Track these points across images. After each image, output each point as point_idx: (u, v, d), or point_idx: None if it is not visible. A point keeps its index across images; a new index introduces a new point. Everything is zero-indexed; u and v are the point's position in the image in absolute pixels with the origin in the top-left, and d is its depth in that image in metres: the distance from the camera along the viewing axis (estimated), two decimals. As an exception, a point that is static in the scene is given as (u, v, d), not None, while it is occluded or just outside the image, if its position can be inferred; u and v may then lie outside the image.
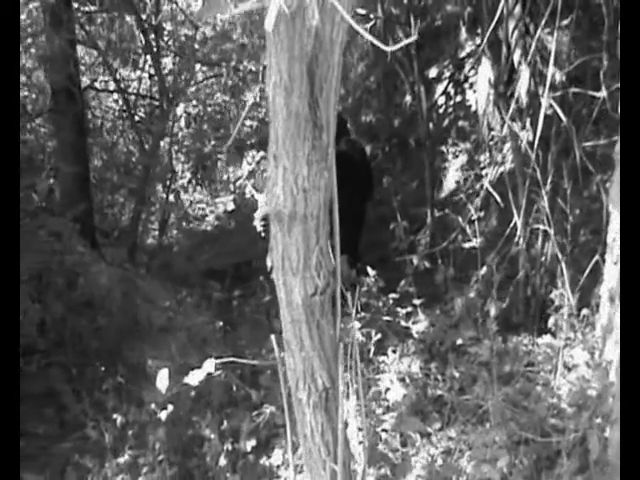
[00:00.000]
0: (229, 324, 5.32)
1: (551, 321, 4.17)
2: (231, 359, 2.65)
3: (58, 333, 4.92)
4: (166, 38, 8.88)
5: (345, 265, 4.60)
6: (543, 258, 5.02)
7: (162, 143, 8.58)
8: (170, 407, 3.74)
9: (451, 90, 9.16)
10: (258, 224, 2.23)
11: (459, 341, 4.11)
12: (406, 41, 1.85)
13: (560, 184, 4.75)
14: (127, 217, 9.30)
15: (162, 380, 2.76)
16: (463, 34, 9.19)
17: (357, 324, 4.01)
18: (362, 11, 8.05)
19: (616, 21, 5.38)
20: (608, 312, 3.66)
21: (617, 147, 3.18)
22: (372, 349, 4.17)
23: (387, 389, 3.90)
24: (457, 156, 8.34)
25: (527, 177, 4.93)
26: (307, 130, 2.04)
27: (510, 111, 5.62)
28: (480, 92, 8.23)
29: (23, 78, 8.69)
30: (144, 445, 3.73)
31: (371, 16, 8.36)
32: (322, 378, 2.32)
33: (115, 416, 3.89)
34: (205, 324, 5.16)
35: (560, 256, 4.17)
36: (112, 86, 9.72)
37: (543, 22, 5.13)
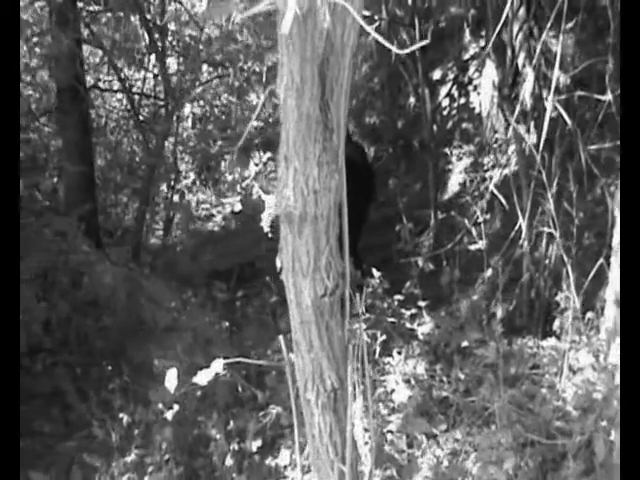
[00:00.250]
0: (234, 324, 5.33)
1: (556, 324, 4.19)
2: (239, 359, 2.66)
3: (63, 332, 4.92)
4: (170, 38, 8.89)
5: (351, 266, 4.61)
6: (547, 261, 5.03)
7: (166, 143, 8.57)
8: (176, 407, 3.75)
9: (455, 92, 9.18)
10: (266, 225, 2.23)
11: (464, 343, 4.11)
12: (418, 45, 1.85)
13: (565, 187, 4.76)
14: (131, 217, 9.31)
15: (171, 380, 2.76)
16: (467, 36, 9.21)
17: (364, 325, 4.02)
18: (366, 13, 8.06)
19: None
20: (613, 315, 3.68)
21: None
22: (377, 350, 4.18)
23: (392, 390, 3.91)
24: (461, 158, 8.35)
25: (532, 180, 4.94)
26: (318, 132, 2.05)
27: (515, 114, 5.64)
28: (484, 94, 8.24)
29: (27, 77, 8.70)
30: (150, 444, 3.74)
31: (375, 17, 8.38)
32: (331, 379, 2.33)
33: (121, 415, 3.91)
34: (210, 324, 5.17)
35: (566, 259, 4.17)
36: (116, 86, 9.74)
37: (549, 25, 5.14)
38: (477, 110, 8.46)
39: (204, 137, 10.55)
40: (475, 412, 3.60)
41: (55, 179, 8.72)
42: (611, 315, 3.74)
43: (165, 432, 3.66)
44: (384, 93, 10.08)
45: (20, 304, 4.48)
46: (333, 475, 2.43)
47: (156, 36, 7.95)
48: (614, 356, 3.42)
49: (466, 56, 9.19)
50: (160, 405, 3.78)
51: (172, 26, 9.20)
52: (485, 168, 7.71)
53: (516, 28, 7.24)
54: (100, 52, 9.40)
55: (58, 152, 8.50)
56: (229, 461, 3.56)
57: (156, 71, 9.66)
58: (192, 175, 11.02)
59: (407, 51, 1.78)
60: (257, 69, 9.99)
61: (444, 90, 9.29)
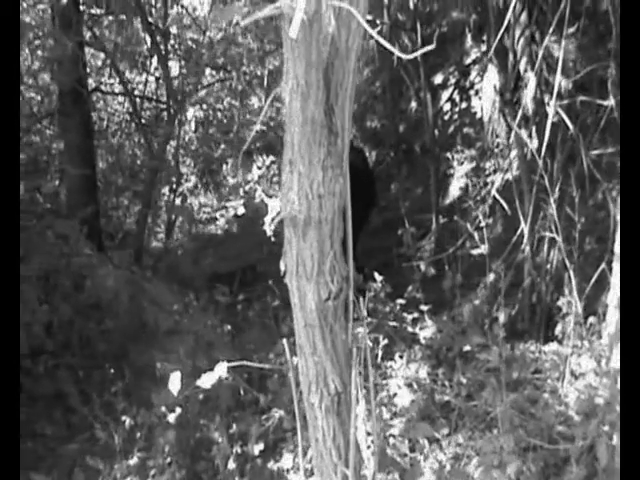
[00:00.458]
0: (236, 328, 5.33)
1: (558, 328, 4.19)
2: (242, 363, 2.66)
3: (65, 335, 4.92)
4: (172, 41, 8.89)
5: (353, 270, 4.62)
6: (549, 265, 5.04)
7: (168, 147, 8.58)
8: (178, 410, 3.75)
9: (456, 97, 9.19)
10: (268, 228, 2.23)
11: (467, 347, 4.12)
12: (423, 49, 1.86)
13: (567, 192, 4.77)
14: (132, 220, 9.30)
15: (174, 383, 2.75)
16: (469, 41, 9.22)
17: (366, 329, 4.02)
18: (369, 17, 8.05)
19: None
20: (615, 320, 3.68)
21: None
22: (379, 354, 4.19)
23: (394, 394, 3.92)
24: (462, 163, 8.36)
25: (534, 184, 4.95)
26: (323, 136, 2.05)
27: (518, 118, 5.65)
28: (486, 99, 8.25)
29: (29, 80, 8.70)
30: (153, 447, 3.74)
31: (377, 22, 8.39)
32: (334, 382, 2.33)
33: (124, 418, 3.91)
34: (212, 328, 5.17)
35: (568, 264, 4.18)
36: (117, 89, 9.73)
37: (551, 30, 5.15)
38: (479, 115, 8.47)
39: (206, 140, 10.55)
40: (477, 416, 3.60)
41: (57, 182, 8.72)
42: (613, 320, 3.75)
43: (168, 435, 3.66)
44: (385, 97, 10.10)
45: (22, 306, 4.51)
46: (336, 478, 2.44)
47: (158, 39, 7.95)
48: (616, 361, 3.42)
49: (468, 61, 9.21)
50: (163, 408, 3.77)
51: (174, 29, 9.21)
52: (487, 173, 7.73)
53: (518, 33, 7.25)
54: (102, 55, 9.42)
55: (60, 155, 8.50)
56: (231, 464, 3.56)
57: (158, 74, 9.68)
58: (194, 178, 11.02)
59: (412, 56, 1.78)
60: (259, 73, 10.01)
61: (446, 94, 9.31)
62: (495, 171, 7.49)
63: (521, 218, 5.06)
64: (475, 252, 5.71)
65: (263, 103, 10.24)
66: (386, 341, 4.24)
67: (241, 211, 3.53)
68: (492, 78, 7.76)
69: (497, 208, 6.04)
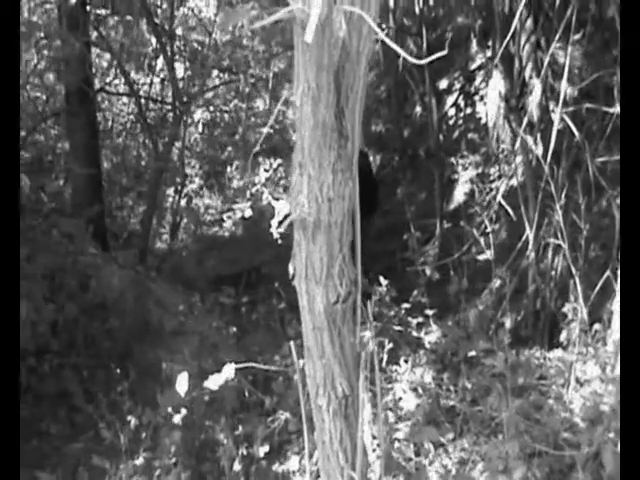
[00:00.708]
0: (240, 330, 5.34)
1: (563, 335, 4.21)
2: (249, 364, 2.66)
3: (70, 334, 4.93)
4: (178, 43, 8.90)
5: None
6: (553, 272, 5.05)
7: (173, 148, 8.59)
8: (184, 411, 3.76)
9: (461, 102, 9.20)
10: (276, 231, 2.24)
11: (472, 352, 4.13)
12: (435, 55, 1.86)
13: (572, 198, 4.78)
14: (136, 220, 9.31)
15: (182, 384, 2.76)
16: (474, 46, 9.24)
17: (371, 333, 4.03)
18: (374, 21, 8.07)
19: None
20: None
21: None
22: (384, 358, 4.20)
23: (400, 398, 3.93)
24: (467, 168, 8.37)
25: (539, 191, 4.96)
26: (333, 139, 2.06)
27: (523, 125, 5.66)
28: (491, 105, 8.26)
29: (35, 79, 8.72)
30: (158, 448, 3.75)
31: (383, 26, 8.41)
32: (342, 385, 2.34)
33: (129, 418, 3.91)
34: (217, 329, 5.18)
35: (574, 270, 4.19)
36: (122, 89, 9.74)
37: (557, 37, 5.17)
38: (483, 120, 8.48)
39: (212, 142, 10.55)
40: (483, 421, 3.61)
41: (61, 181, 8.73)
42: (618, 327, 3.76)
43: (173, 436, 3.67)
44: (390, 101, 10.10)
45: (28, 305, 4.51)
46: (343, 481, 2.44)
47: (164, 40, 7.96)
48: (621, 368, 3.43)
49: (473, 66, 9.22)
50: (169, 409, 3.78)
51: (180, 31, 9.23)
52: (491, 178, 7.73)
53: (524, 39, 7.27)
54: (107, 55, 9.42)
55: (65, 154, 8.51)
56: (237, 466, 3.57)
57: (163, 75, 9.69)
58: (199, 180, 11.02)
59: (424, 62, 1.80)
60: (264, 75, 10.02)
61: (450, 100, 9.32)
62: (500, 177, 7.49)
63: (526, 224, 5.06)
64: (481, 258, 5.71)
65: (268, 106, 10.25)
66: (391, 345, 4.25)
67: (248, 213, 3.54)
68: (497, 84, 7.78)
69: (502, 214, 6.05)
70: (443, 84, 9.47)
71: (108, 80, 9.50)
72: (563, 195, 4.71)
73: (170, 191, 9.38)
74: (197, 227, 10.07)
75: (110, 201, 9.16)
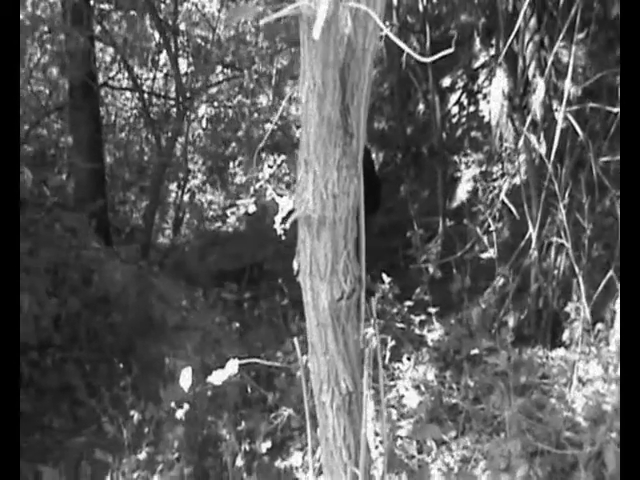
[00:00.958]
0: (243, 325, 5.35)
1: (565, 334, 4.21)
2: (252, 360, 2.66)
3: (73, 328, 4.93)
4: (181, 38, 8.90)
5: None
6: (556, 271, 5.05)
7: (176, 143, 8.60)
8: (187, 406, 3.77)
9: (464, 100, 9.20)
10: (279, 227, 2.25)
11: (474, 351, 4.13)
12: (442, 53, 1.86)
13: (575, 197, 4.78)
14: (139, 215, 9.32)
15: (185, 379, 2.76)
16: (477, 44, 9.23)
17: (375, 330, 4.03)
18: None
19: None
20: (623, 327, 3.69)
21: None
22: (387, 355, 4.20)
23: (402, 396, 3.93)
24: (470, 166, 8.37)
25: (543, 190, 4.96)
26: (338, 136, 2.07)
27: (527, 123, 5.66)
28: (494, 103, 8.26)
29: (38, 74, 8.72)
30: (161, 442, 3.76)
31: (386, 23, 8.39)
32: (346, 382, 2.34)
33: (132, 412, 3.92)
34: (220, 325, 5.18)
35: (577, 270, 4.19)
36: (125, 84, 9.75)
37: (560, 36, 5.16)
38: (486, 119, 8.48)
39: (215, 138, 10.56)
40: (485, 420, 3.62)
41: (64, 175, 8.74)
42: (621, 327, 3.76)
43: (176, 431, 3.68)
44: (393, 99, 10.09)
45: (31, 299, 4.52)
46: (346, 477, 2.45)
47: (167, 36, 7.96)
48: (624, 368, 3.43)
49: (476, 64, 9.21)
50: (172, 404, 3.79)
51: (183, 26, 9.22)
52: (494, 177, 7.74)
53: (527, 38, 7.26)
54: (111, 50, 9.43)
55: (68, 149, 8.51)
56: (239, 461, 3.58)
57: (166, 71, 9.69)
58: (202, 176, 11.03)
59: (431, 59, 1.81)
60: (267, 71, 10.01)
61: (454, 98, 9.31)
62: (503, 175, 7.49)
63: (529, 223, 5.06)
64: (484, 256, 5.72)
65: (271, 102, 10.24)
66: (394, 342, 4.25)
67: (252, 209, 3.54)
68: (501, 82, 7.77)
69: (505, 212, 6.05)
70: (446, 82, 9.46)
71: (111, 75, 9.52)
72: (566, 194, 4.71)
73: (173, 186, 9.40)
74: (200, 222, 10.08)
75: (113, 196, 9.17)
